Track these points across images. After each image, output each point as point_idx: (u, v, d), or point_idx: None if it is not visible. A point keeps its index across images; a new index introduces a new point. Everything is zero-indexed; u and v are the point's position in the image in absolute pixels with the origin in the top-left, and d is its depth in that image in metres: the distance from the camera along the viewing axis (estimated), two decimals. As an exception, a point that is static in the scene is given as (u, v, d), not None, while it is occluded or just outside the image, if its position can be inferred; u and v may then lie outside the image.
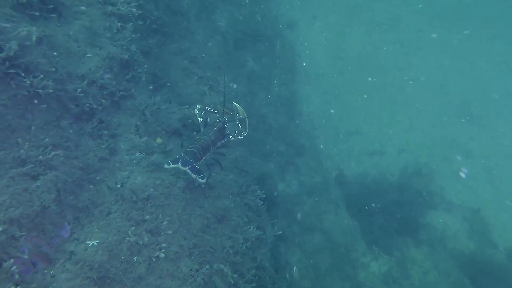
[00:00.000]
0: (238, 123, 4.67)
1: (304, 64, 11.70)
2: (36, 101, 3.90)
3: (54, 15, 4.40)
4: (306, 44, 12.32)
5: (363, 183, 9.22)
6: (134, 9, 5.13)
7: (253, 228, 4.56)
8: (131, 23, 5.10)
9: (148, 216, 3.97)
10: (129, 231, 3.77)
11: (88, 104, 4.29)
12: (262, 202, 5.17)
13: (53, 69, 4.04)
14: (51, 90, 3.92)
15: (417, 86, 12.23)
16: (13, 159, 3.56)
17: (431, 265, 7.81)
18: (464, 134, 11.25)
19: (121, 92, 4.72)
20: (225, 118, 4.56)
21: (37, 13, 4.23)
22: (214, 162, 4.47)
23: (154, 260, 3.72)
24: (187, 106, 5.39)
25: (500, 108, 12.10)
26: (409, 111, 11.50)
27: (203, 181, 4.00)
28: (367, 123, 10.88)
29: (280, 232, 5.76)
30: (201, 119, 4.58)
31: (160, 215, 4.02)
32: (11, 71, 3.68)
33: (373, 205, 8.39)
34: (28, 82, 3.77)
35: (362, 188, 9.05)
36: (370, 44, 13.08)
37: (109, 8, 4.92)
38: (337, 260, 7.50)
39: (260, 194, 5.17)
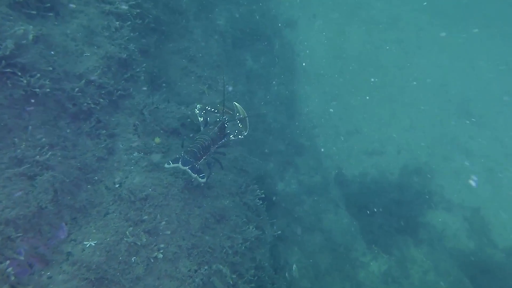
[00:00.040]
0: (239, 123, 4.64)
1: (304, 64, 11.66)
2: (33, 100, 3.87)
3: (51, 14, 4.37)
4: (306, 43, 12.27)
5: (363, 183, 9.20)
6: (132, 8, 5.10)
7: (252, 228, 4.54)
8: (129, 22, 5.07)
9: (146, 216, 3.94)
10: (127, 232, 3.75)
11: (85, 104, 4.26)
12: (261, 202, 5.14)
13: (50, 68, 4.01)
14: (48, 90, 3.89)
15: (417, 85, 12.20)
16: (9, 159, 3.53)
17: (431, 265, 7.79)
18: (464, 133, 11.23)
19: (119, 92, 4.69)
20: (225, 118, 4.53)
21: (34, 12, 4.20)
22: (214, 161, 4.44)
23: (152, 260, 3.70)
24: (185, 106, 5.36)
25: (500, 107, 12.07)
26: (409, 110, 11.47)
27: (203, 180, 3.97)
28: (367, 122, 10.86)
29: (280, 232, 5.74)
30: (201, 119, 4.55)
31: (158, 215, 3.99)
32: (8, 70, 3.66)
33: (373, 204, 8.37)
34: (25, 81, 3.74)
35: (361, 187, 9.02)
36: (370, 43, 13.04)
37: (107, 6, 4.89)
38: (336, 260, 7.48)
39: (260, 193, 5.15)
